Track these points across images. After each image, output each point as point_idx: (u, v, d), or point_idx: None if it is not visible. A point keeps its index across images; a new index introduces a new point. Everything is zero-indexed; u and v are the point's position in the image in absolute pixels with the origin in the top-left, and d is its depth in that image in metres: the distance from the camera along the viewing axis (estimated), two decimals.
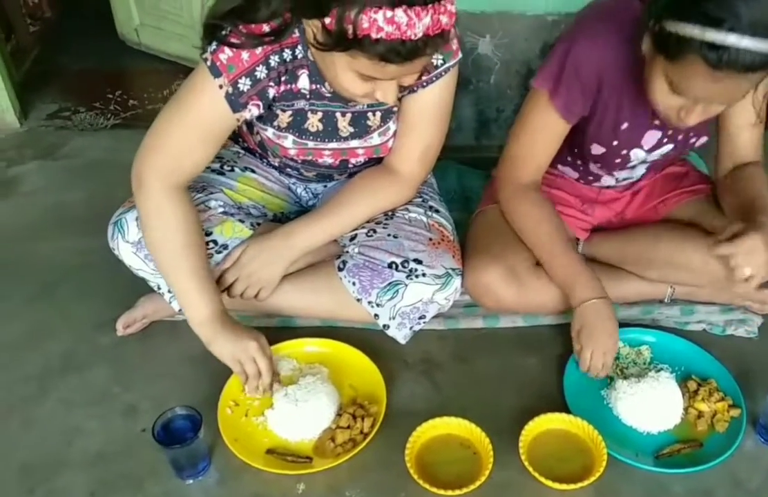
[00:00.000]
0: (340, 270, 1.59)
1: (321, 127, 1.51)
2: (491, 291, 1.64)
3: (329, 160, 1.58)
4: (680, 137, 1.59)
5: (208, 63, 1.34)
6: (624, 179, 1.74)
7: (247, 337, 1.44)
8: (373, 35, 1.12)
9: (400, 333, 1.59)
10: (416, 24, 1.12)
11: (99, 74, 2.93)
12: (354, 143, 1.56)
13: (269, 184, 1.73)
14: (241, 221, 1.59)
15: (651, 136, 1.58)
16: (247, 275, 1.56)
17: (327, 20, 1.15)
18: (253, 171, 1.71)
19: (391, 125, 1.55)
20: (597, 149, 1.61)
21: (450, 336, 1.71)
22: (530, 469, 1.35)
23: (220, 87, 1.34)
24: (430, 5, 1.12)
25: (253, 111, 1.41)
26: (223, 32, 1.31)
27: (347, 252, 1.62)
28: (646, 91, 1.38)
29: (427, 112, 1.51)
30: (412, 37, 1.13)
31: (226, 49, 1.32)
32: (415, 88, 1.46)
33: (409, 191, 1.64)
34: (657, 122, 1.54)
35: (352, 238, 1.64)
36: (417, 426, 1.42)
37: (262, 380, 1.45)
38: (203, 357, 1.50)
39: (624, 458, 1.40)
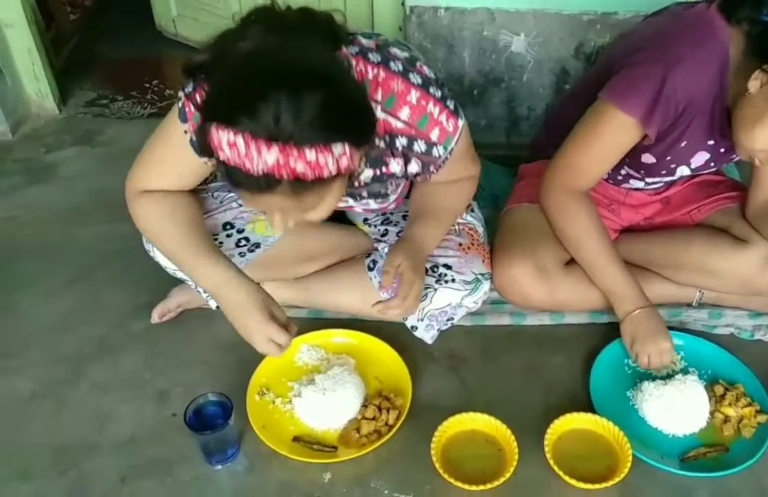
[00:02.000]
0: (370, 269, 1.60)
1: None
2: (520, 288, 1.65)
3: None
4: (727, 156, 1.59)
5: (180, 105, 1.31)
6: (652, 184, 1.74)
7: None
8: (219, 155, 1.07)
9: (428, 335, 1.61)
10: (255, 158, 1.04)
11: (136, 64, 2.97)
12: (351, 202, 1.56)
13: None
14: None
15: (700, 157, 1.57)
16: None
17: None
18: None
19: (391, 197, 1.56)
20: (648, 159, 1.59)
21: (477, 332, 1.72)
22: (555, 468, 1.35)
23: (185, 133, 1.33)
24: (276, 145, 1.03)
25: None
26: (192, 85, 1.27)
27: (377, 250, 1.63)
28: (740, 125, 1.36)
29: (453, 167, 1.46)
30: (251, 171, 1.05)
31: (197, 96, 1.26)
32: (428, 177, 1.45)
33: (475, 185, 1.63)
34: (711, 143, 1.53)
35: (384, 235, 1.65)
36: (442, 420, 1.43)
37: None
38: (234, 345, 1.53)
39: (649, 459, 1.40)
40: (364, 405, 1.50)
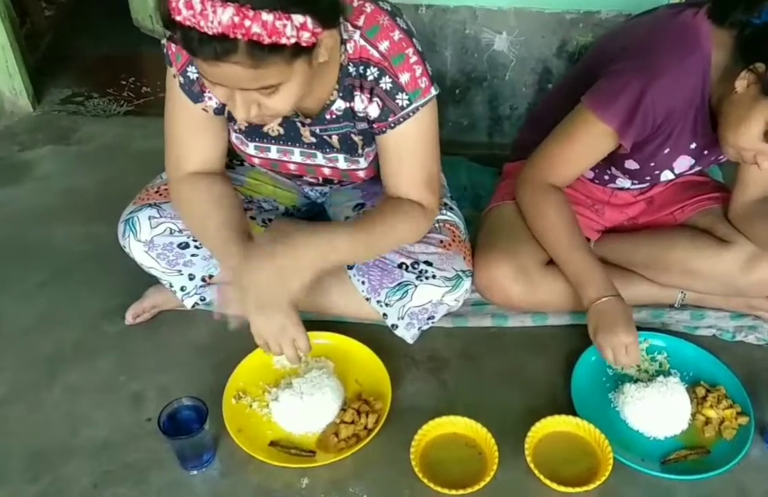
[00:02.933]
0: (350, 268, 1.58)
1: (282, 130, 1.48)
2: (501, 287, 1.64)
3: (297, 173, 1.57)
4: (710, 158, 1.59)
5: (164, 51, 1.33)
6: (638, 184, 1.73)
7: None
8: (176, 18, 1.05)
9: (409, 334, 1.59)
10: (210, 16, 1.02)
11: (113, 60, 2.92)
12: (320, 158, 1.54)
13: (280, 178, 1.73)
14: (253, 218, 1.59)
15: (684, 161, 1.58)
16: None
17: None
18: (275, 171, 1.71)
19: (361, 161, 1.53)
20: (631, 165, 1.60)
21: (458, 334, 1.71)
22: (535, 471, 1.34)
23: (174, 77, 1.34)
24: (233, 4, 1.02)
25: (212, 100, 1.39)
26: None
27: None
28: (726, 125, 1.37)
29: (409, 147, 1.43)
30: (207, 31, 1.04)
31: None
32: (384, 129, 1.40)
33: (428, 222, 1.51)
34: (693, 146, 1.53)
35: None
36: (422, 424, 1.42)
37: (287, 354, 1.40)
38: (210, 347, 1.51)
39: (630, 462, 1.39)
40: (343, 409, 1.48)
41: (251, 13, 1.03)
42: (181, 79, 1.35)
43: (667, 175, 1.62)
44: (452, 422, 1.43)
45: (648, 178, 1.63)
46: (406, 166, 1.44)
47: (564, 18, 2.20)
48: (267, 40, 1.06)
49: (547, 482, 1.33)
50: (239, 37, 1.04)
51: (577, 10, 2.18)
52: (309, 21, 1.09)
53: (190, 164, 1.44)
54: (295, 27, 1.07)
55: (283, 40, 1.07)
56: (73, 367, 1.61)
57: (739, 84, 1.33)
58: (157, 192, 1.56)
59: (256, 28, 1.04)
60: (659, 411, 1.46)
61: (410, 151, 1.43)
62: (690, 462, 1.41)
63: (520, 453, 1.38)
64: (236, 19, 1.03)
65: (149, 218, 1.51)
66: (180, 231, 1.51)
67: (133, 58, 2.96)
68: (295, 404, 1.45)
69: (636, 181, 1.69)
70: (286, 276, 1.31)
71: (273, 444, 1.42)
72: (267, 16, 1.04)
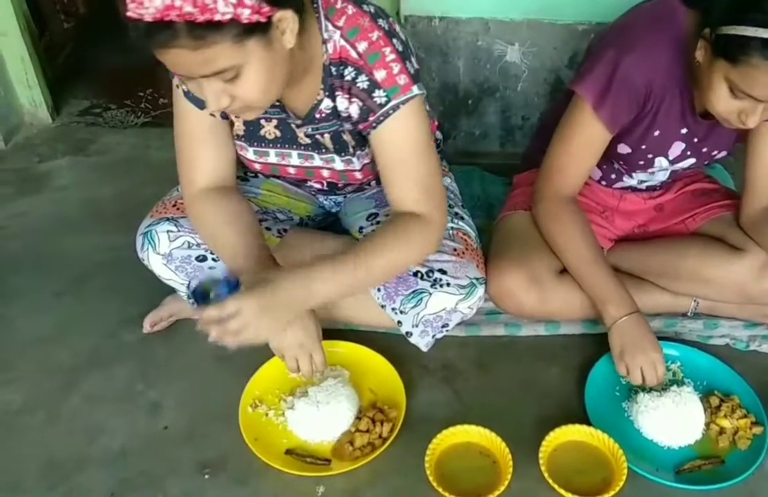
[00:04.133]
0: None
1: (279, 133, 1.49)
2: (513, 296, 1.65)
3: (297, 178, 1.58)
4: (704, 150, 1.60)
5: None
6: (644, 182, 1.74)
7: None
8: (126, 13, 1.06)
9: (423, 341, 1.60)
10: (146, 2, 1.03)
11: (130, 72, 2.93)
12: (317, 159, 1.54)
13: (293, 188, 1.74)
14: (268, 229, 1.61)
15: (676, 147, 1.58)
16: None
17: None
18: (277, 176, 1.72)
19: (355, 161, 1.53)
20: (623, 149, 1.61)
21: (471, 343, 1.71)
22: (549, 480, 1.34)
23: (177, 87, 1.37)
24: None
25: None
26: None
27: None
28: (703, 98, 1.40)
29: (398, 150, 1.39)
30: (146, 18, 1.04)
31: None
32: (368, 130, 1.38)
33: (434, 234, 1.44)
34: (684, 131, 1.55)
35: None
36: (436, 432, 1.42)
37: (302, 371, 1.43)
38: (227, 356, 1.51)
39: (644, 472, 1.39)
40: (358, 417, 1.49)
41: None
42: (184, 87, 1.36)
43: (662, 162, 1.62)
44: (466, 431, 1.44)
45: (641, 162, 1.63)
46: (400, 173, 1.40)
47: (576, 29, 2.21)
48: (200, 17, 1.05)
49: (562, 491, 1.33)
50: (174, 18, 1.04)
51: (589, 22, 2.19)
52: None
53: (203, 178, 1.45)
54: (231, 3, 1.06)
55: (217, 17, 1.06)
56: (91, 376, 1.63)
57: (698, 54, 1.36)
58: (174, 206, 1.58)
59: (187, 8, 1.04)
60: (673, 420, 1.46)
61: (400, 157, 1.39)
62: (704, 472, 1.41)
63: (534, 462, 1.38)
64: (167, 1, 1.03)
65: (167, 232, 1.52)
66: (198, 244, 1.53)
67: (150, 69, 2.93)
68: (311, 413, 1.46)
69: (636, 176, 1.70)
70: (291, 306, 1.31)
71: (289, 452, 1.44)
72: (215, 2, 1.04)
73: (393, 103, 1.34)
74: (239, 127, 1.49)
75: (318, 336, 1.41)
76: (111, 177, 2.32)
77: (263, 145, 1.52)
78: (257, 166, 1.58)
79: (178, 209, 1.56)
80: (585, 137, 1.56)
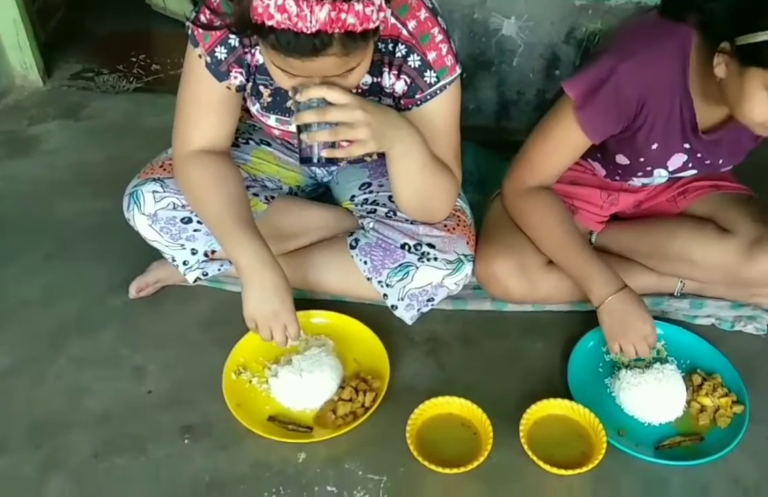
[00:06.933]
0: (352, 248, 1.59)
1: None
2: (500, 283, 1.65)
3: None
4: (707, 162, 1.58)
5: (189, 32, 1.37)
6: (646, 184, 1.73)
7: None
8: (267, 22, 1.10)
9: (408, 315, 1.60)
10: (308, 17, 1.08)
11: (123, 37, 2.95)
12: None
13: (284, 157, 1.74)
14: (256, 195, 1.60)
15: (677, 159, 1.56)
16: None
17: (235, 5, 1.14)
18: (268, 144, 1.72)
19: None
20: (622, 160, 1.60)
21: (457, 316, 1.72)
22: (529, 452, 1.35)
23: (200, 57, 1.38)
24: (329, 0, 1.08)
25: (237, 79, 1.42)
26: (194, 10, 1.33)
27: (362, 228, 1.62)
28: (735, 111, 1.35)
29: (438, 124, 1.46)
30: (305, 30, 1.09)
31: (203, 18, 1.31)
32: (410, 106, 1.44)
33: (457, 193, 1.57)
34: (687, 146, 1.53)
35: (372, 212, 1.64)
36: (419, 403, 1.43)
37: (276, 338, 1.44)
38: (212, 323, 1.53)
39: (623, 447, 1.40)
40: (341, 387, 1.49)
41: (346, 6, 1.09)
42: (208, 59, 1.38)
43: (660, 173, 1.60)
44: (448, 402, 1.44)
45: (640, 173, 1.62)
46: (438, 142, 1.47)
47: (573, 4, 2.19)
48: (359, 28, 1.12)
49: (541, 464, 1.34)
50: (336, 31, 1.10)
51: None
52: (383, 0, 1.16)
53: (199, 141, 1.46)
54: (376, 9, 1.14)
55: (371, 25, 1.14)
56: (76, 340, 1.63)
57: (718, 70, 1.32)
58: (161, 166, 1.58)
59: (350, 20, 1.10)
60: (654, 397, 1.47)
61: (440, 128, 1.47)
62: (683, 449, 1.42)
63: (515, 435, 1.39)
64: (333, 15, 1.08)
65: (153, 192, 1.52)
66: (183, 206, 1.53)
67: (143, 35, 2.98)
68: (294, 381, 1.46)
69: (634, 180, 1.69)
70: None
71: (271, 419, 1.44)
72: (358, 6, 1.10)
73: (441, 83, 1.41)
74: (265, 98, 1.51)
75: (292, 307, 1.42)
76: (102, 141, 2.31)
77: (288, 114, 1.53)
78: (276, 133, 1.61)
79: (165, 170, 1.56)
80: (563, 136, 1.53)
